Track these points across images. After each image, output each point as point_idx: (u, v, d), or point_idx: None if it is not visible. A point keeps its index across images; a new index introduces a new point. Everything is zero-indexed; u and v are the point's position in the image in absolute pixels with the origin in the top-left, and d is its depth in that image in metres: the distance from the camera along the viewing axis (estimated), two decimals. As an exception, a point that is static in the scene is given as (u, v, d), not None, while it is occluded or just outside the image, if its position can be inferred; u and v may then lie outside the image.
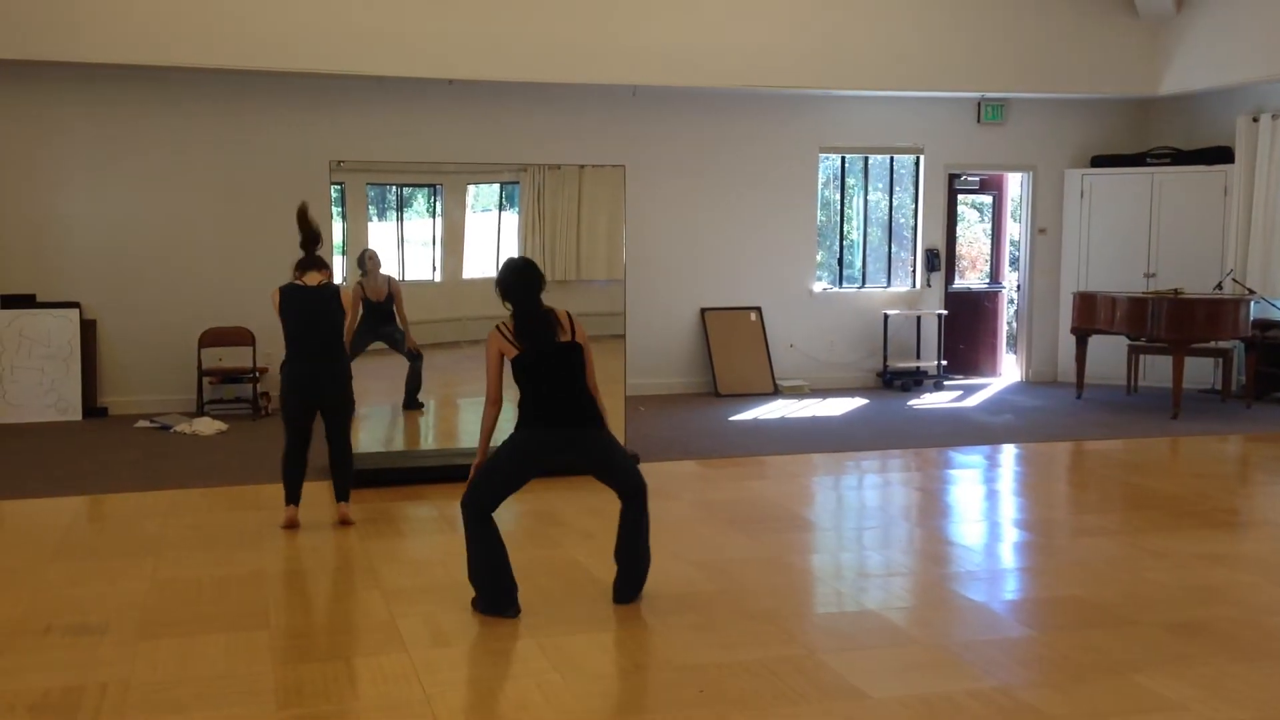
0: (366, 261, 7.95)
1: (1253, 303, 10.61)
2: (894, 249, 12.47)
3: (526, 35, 10.15)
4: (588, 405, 4.95)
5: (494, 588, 4.90)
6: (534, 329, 4.90)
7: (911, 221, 12.41)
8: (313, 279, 6.42)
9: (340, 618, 5.04)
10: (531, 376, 4.89)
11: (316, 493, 6.95)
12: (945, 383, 12.11)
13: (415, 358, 8.10)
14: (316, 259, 6.48)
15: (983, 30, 11.24)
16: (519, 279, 4.97)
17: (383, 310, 7.98)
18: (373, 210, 8.56)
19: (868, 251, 12.45)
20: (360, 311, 7.75)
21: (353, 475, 6.60)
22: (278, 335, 6.51)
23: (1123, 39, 11.54)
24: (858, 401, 11.14)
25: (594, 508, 6.53)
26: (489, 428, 4.98)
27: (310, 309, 6.34)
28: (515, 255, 5.03)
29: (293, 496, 6.41)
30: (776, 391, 11.56)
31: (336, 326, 6.39)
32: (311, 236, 6.48)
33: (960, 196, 12.70)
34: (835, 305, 12.09)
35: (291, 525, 6.35)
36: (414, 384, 8.18)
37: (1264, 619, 4.96)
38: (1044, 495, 7.84)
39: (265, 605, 5.09)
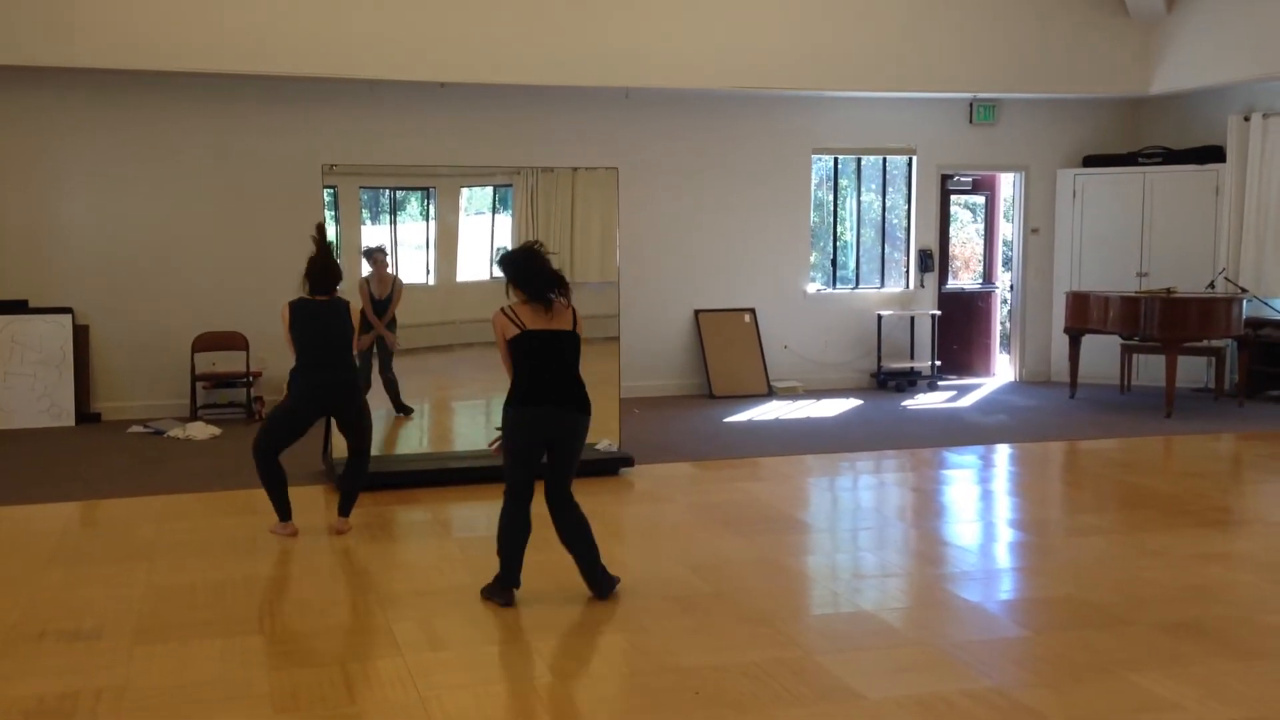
0: (376, 257, 7.99)
1: (1245, 301, 10.63)
2: (887, 250, 12.48)
3: (519, 39, 10.15)
4: (578, 391, 5.15)
5: (507, 563, 5.11)
6: (541, 286, 5.08)
7: (904, 222, 12.43)
8: (322, 296, 6.36)
9: (335, 622, 5.03)
10: (528, 358, 5.07)
11: (311, 497, 6.95)
12: (939, 383, 12.12)
13: (386, 367, 8.11)
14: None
15: (974, 31, 11.26)
16: (522, 264, 5.15)
17: (386, 307, 8.01)
18: (366, 214, 8.55)
19: (861, 252, 12.47)
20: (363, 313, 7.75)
21: (360, 492, 6.53)
22: (272, 340, 6.49)
23: (1114, 39, 11.57)
24: (852, 402, 11.15)
25: (588, 510, 6.51)
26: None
27: (323, 321, 6.26)
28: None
29: (285, 512, 6.33)
30: (771, 393, 11.56)
31: (348, 338, 6.34)
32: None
33: (953, 197, 12.72)
34: (829, 306, 12.10)
35: (293, 534, 6.31)
36: (394, 390, 8.18)
37: (1259, 617, 4.97)
38: (1038, 495, 7.85)
39: (260, 610, 5.08)
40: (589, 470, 7.57)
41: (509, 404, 5.11)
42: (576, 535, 5.18)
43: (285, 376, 6.39)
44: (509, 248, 5.33)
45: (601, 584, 5.18)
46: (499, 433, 5.19)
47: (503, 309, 5.15)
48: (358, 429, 6.43)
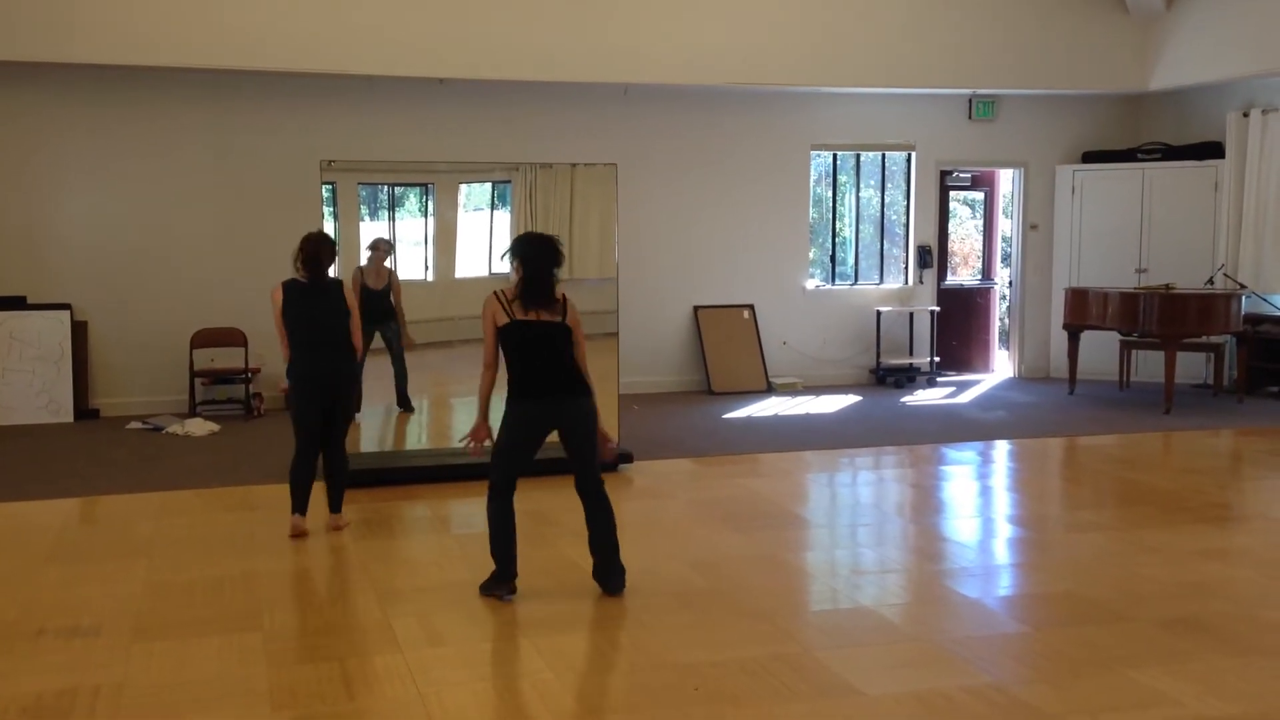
0: (380, 247, 7.98)
1: (1244, 297, 10.63)
2: (886, 246, 12.48)
3: (518, 34, 10.14)
4: (573, 377, 5.09)
5: (501, 559, 5.13)
6: (534, 294, 5.03)
7: (903, 218, 12.42)
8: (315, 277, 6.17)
9: (334, 619, 5.03)
10: (518, 349, 5.04)
11: (312, 493, 6.93)
12: (938, 379, 12.12)
13: (398, 359, 8.09)
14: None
15: (974, 27, 11.24)
16: (532, 247, 5.10)
17: (381, 300, 7.97)
18: (364, 210, 8.54)
19: (860, 248, 12.46)
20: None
21: (346, 485, 6.43)
22: (270, 336, 6.41)
23: (1113, 35, 11.56)
24: (851, 398, 11.14)
25: (588, 506, 6.52)
26: (485, 392, 5.17)
27: (318, 304, 6.10)
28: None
29: (300, 505, 6.20)
30: (770, 389, 11.56)
31: (345, 321, 6.17)
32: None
33: (952, 193, 12.72)
34: (828, 302, 12.10)
35: (299, 535, 6.17)
36: (402, 384, 8.17)
37: (1258, 613, 4.97)
38: (1037, 491, 7.85)
39: (259, 607, 5.07)
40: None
41: (508, 399, 5.07)
42: (600, 526, 5.12)
43: (283, 373, 6.29)
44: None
45: (612, 580, 5.14)
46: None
47: (496, 294, 5.08)
48: (344, 420, 6.31)
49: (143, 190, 10.25)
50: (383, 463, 7.73)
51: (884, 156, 12.31)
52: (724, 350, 11.58)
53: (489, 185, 8.85)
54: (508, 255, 5.15)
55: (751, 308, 11.77)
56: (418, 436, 8.51)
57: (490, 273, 8.57)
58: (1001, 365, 12.88)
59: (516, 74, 10.26)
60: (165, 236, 10.29)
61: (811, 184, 12.05)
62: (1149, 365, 11.47)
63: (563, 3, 10.27)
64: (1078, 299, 11.14)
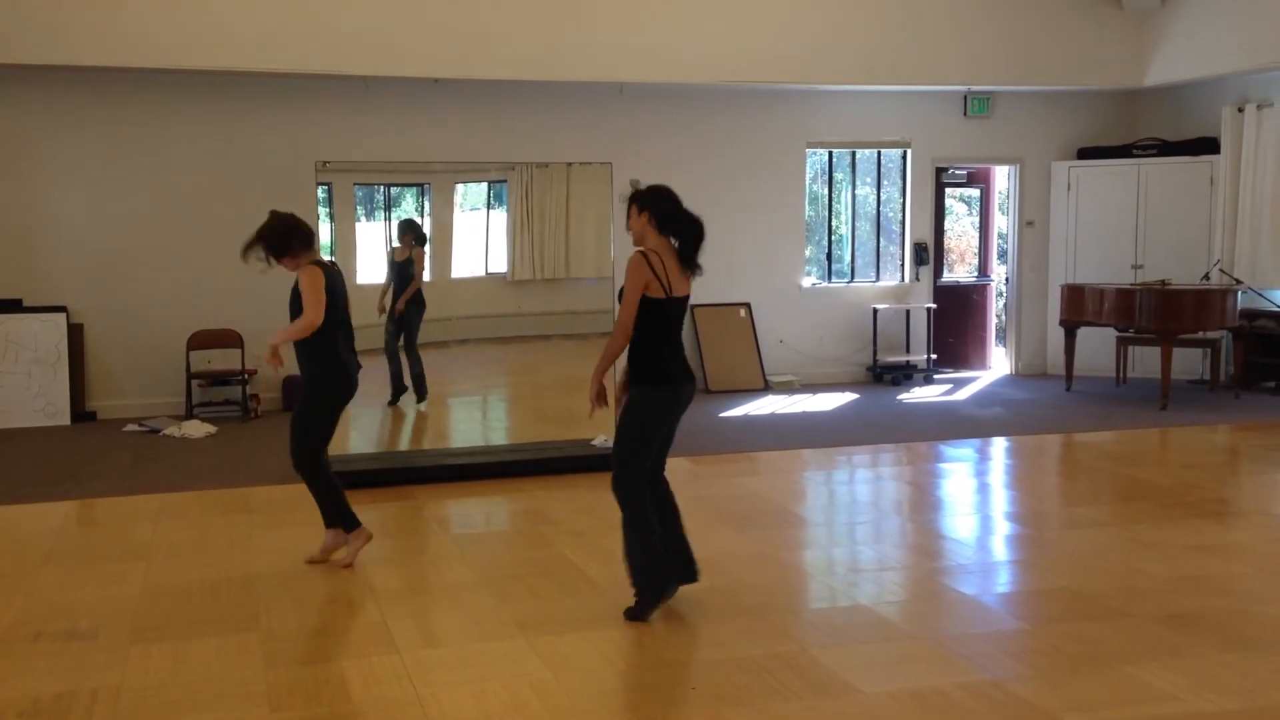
0: (406, 232, 8.11)
1: (1240, 293, 10.63)
2: (882, 243, 12.48)
3: (512, 33, 10.13)
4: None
5: (654, 575, 4.78)
6: (693, 258, 4.65)
7: (899, 215, 12.42)
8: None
9: (331, 620, 5.03)
10: (668, 325, 4.71)
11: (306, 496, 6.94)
12: (935, 376, 12.12)
13: (415, 359, 8.06)
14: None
15: (968, 23, 11.24)
16: (671, 202, 4.65)
17: (404, 274, 7.96)
18: (360, 210, 8.54)
19: (856, 246, 12.46)
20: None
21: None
22: (268, 336, 6.22)
23: (1108, 31, 11.56)
24: (848, 396, 11.14)
25: (585, 506, 6.52)
26: (615, 356, 4.71)
27: (344, 293, 5.70)
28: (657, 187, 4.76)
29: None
30: (766, 387, 11.56)
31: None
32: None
33: (948, 190, 12.72)
34: (824, 300, 12.10)
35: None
36: (420, 384, 8.15)
37: (1255, 608, 4.97)
38: (1034, 488, 7.85)
39: (256, 608, 5.07)
40: (586, 466, 7.59)
41: (644, 381, 4.71)
42: (675, 514, 5.00)
43: (283, 376, 6.23)
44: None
45: (685, 567, 4.99)
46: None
47: (645, 254, 4.58)
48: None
49: (138, 192, 10.23)
50: (381, 463, 7.72)
51: (879, 154, 12.31)
52: (720, 349, 11.58)
53: (485, 185, 8.85)
54: (639, 206, 4.60)
55: (748, 306, 11.77)
56: (415, 437, 8.50)
57: (487, 272, 8.58)
58: (998, 362, 12.88)
59: (511, 73, 10.25)
60: (161, 238, 10.28)
61: (807, 182, 12.05)
62: (1145, 361, 11.47)
63: (557, 2, 10.26)
64: (1074, 295, 11.15)
